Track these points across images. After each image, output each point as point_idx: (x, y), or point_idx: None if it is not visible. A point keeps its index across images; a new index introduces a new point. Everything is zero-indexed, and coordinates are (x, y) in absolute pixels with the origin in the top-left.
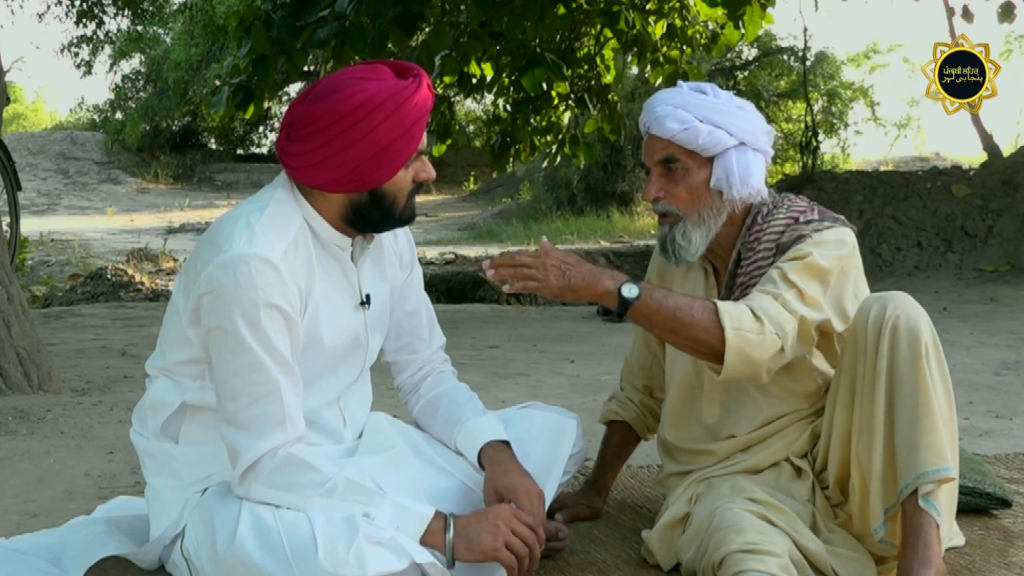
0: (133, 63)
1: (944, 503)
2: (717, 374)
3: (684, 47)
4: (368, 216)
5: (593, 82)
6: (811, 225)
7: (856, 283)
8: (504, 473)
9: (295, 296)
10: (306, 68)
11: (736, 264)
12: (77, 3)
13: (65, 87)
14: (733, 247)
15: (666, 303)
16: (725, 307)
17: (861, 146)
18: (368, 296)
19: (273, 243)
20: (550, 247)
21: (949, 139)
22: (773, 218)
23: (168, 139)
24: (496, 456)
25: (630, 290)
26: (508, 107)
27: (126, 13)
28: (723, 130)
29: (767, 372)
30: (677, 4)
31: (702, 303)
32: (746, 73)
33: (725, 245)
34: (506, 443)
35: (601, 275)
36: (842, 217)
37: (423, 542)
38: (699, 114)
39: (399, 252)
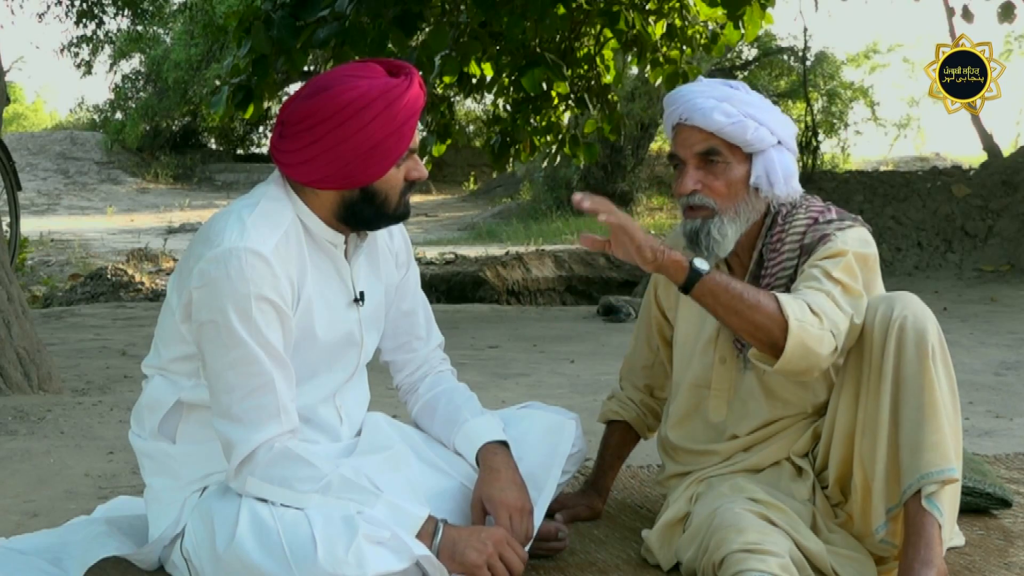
0: (133, 63)
1: (947, 504)
2: (770, 365)
3: (684, 47)
4: (360, 213)
5: (593, 82)
6: (832, 225)
7: (878, 284)
8: (492, 483)
9: (287, 289)
10: (306, 68)
11: (758, 265)
12: (77, 3)
13: (65, 87)
14: (752, 247)
15: (732, 284)
16: (786, 299)
17: (861, 146)
18: (362, 293)
19: (264, 237)
20: None
21: (949, 139)
22: (794, 218)
23: (168, 139)
24: (490, 461)
25: (701, 263)
26: (508, 107)
27: (126, 13)
28: (766, 127)
29: (819, 369)
30: (677, 4)
31: (766, 291)
32: (746, 73)
33: (744, 244)
34: (504, 444)
35: (665, 255)
36: (859, 217)
37: None
38: (743, 109)
39: (395, 251)
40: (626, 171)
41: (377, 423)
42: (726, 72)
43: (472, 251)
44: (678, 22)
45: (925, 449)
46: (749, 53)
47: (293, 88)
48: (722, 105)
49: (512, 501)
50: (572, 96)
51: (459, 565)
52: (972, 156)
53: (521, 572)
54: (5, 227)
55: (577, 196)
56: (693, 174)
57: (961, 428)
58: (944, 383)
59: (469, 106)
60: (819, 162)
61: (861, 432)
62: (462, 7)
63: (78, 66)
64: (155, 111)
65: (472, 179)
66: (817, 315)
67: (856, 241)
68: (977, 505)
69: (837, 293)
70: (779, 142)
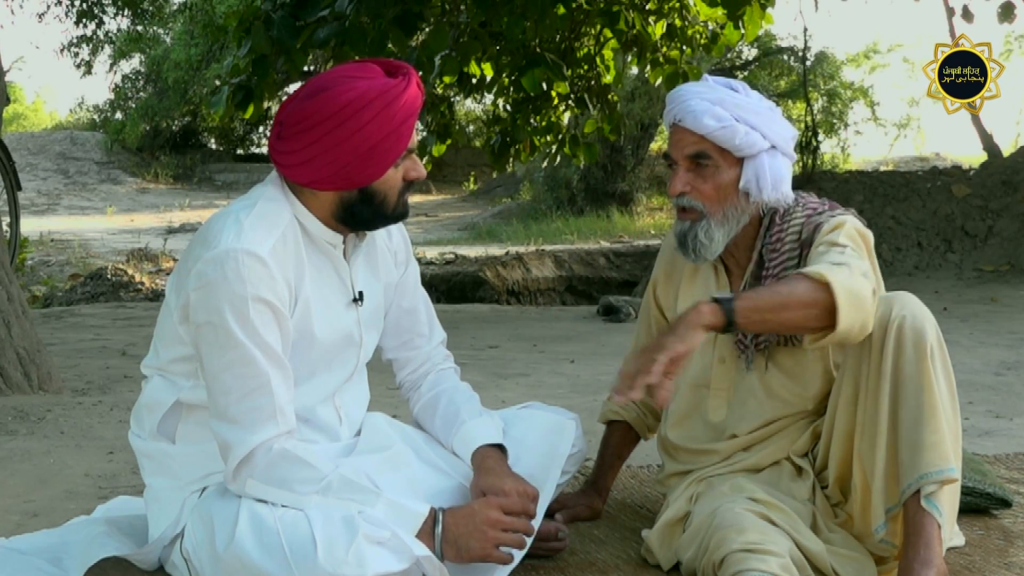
0: (133, 63)
1: (946, 504)
2: (824, 336)
3: (684, 47)
4: (359, 214)
5: (593, 82)
6: (825, 214)
7: (876, 268)
8: (491, 476)
9: (284, 291)
10: (306, 68)
11: (759, 265)
12: (77, 3)
13: (65, 87)
14: (750, 247)
15: (761, 296)
16: (808, 269)
17: (861, 146)
18: (361, 293)
19: (261, 238)
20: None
21: (949, 139)
22: (792, 216)
23: (168, 139)
24: (485, 463)
25: (722, 295)
26: (508, 107)
27: (126, 13)
28: (758, 132)
29: (871, 318)
30: (677, 4)
31: (785, 278)
32: (746, 73)
33: (740, 244)
34: (500, 447)
35: (688, 313)
36: (852, 210)
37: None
38: (735, 113)
39: (393, 250)
40: (626, 171)
41: (377, 423)
42: (726, 72)
43: (472, 251)
44: (678, 22)
45: (924, 449)
46: (749, 53)
47: (293, 88)
48: (714, 108)
49: (512, 486)
50: (572, 96)
51: (468, 559)
52: (972, 156)
53: (525, 528)
54: (5, 227)
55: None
56: (683, 176)
57: (960, 428)
58: (943, 383)
59: (469, 106)
60: (819, 162)
61: (860, 432)
62: (462, 7)
63: (78, 66)
64: (155, 111)
65: (472, 179)
66: (842, 265)
67: (846, 219)
68: (977, 505)
69: (848, 251)
70: (772, 146)
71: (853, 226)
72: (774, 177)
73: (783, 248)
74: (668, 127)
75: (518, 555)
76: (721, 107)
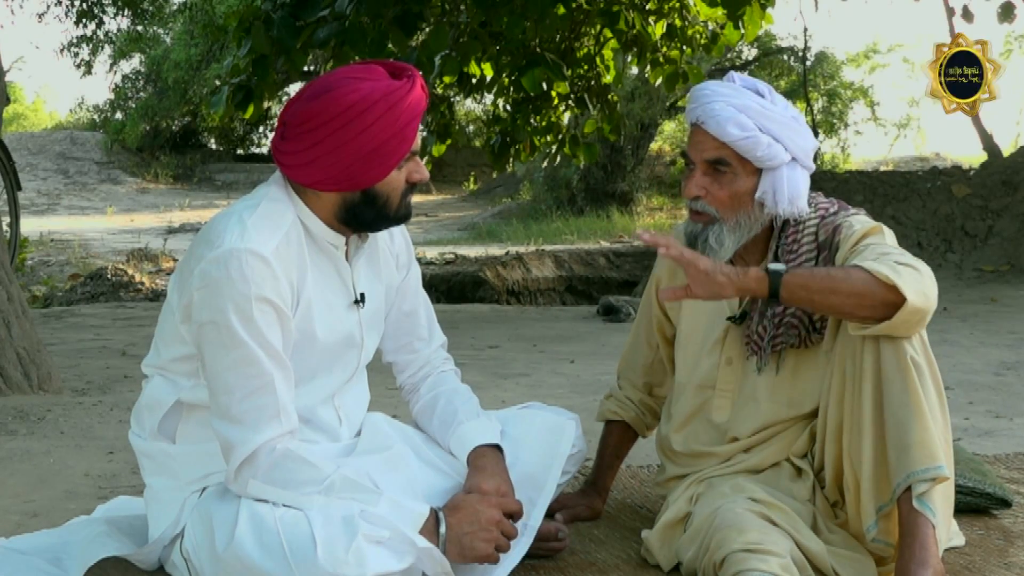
0: (133, 63)
1: (939, 504)
2: (875, 323)
3: (684, 47)
4: (361, 215)
5: (593, 82)
6: (839, 215)
7: None
8: (478, 477)
9: (287, 291)
10: (306, 68)
11: None
12: (77, 3)
13: (65, 87)
14: (762, 248)
15: (815, 269)
16: (872, 266)
17: (861, 146)
18: (362, 295)
19: (265, 238)
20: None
21: (949, 139)
22: (806, 218)
23: (168, 139)
24: (478, 462)
25: (776, 266)
26: (508, 107)
27: (126, 13)
28: (780, 144)
29: (934, 304)
30: (677, 4)
31: (845, 266)
32: (746, 73)
33: (752, 246)
34: (497, 447)
35: (735, 270)
36: (863, 210)
37: None
38: (760, 123)
39: (395, 252)
40: (626, 171)
41: (377, 423)
42: (726, 72)
43: (472, 251)
44: (678, 22)
45: (912, 447)
46: (749, 53)
47: (293, 88)
48: (739, 116)
49: (492, 486)
50: (572, 96)
51: (472, 559)
52: (972, 156)
53: (512, 532)
54: (5, 227)
55: (640, 231)
56: (699, 180)
57: (950, 426)
58: (928, 381)
59: (469, 106)
60: (819, 162)
61: (848, 431)
62: (462, 7)
63: (78, 66)
64: (155, 111)
65: (472, 179)
66: (905, 265)
67: (871, 222)
68: (977, 505)
69: (897, 253)
70: (793, 159)
71: (886, 230)
72: (791, 191)
73: (800, 250)
74: (689, 124)
75: (518, 555)
76: (746, 115)
